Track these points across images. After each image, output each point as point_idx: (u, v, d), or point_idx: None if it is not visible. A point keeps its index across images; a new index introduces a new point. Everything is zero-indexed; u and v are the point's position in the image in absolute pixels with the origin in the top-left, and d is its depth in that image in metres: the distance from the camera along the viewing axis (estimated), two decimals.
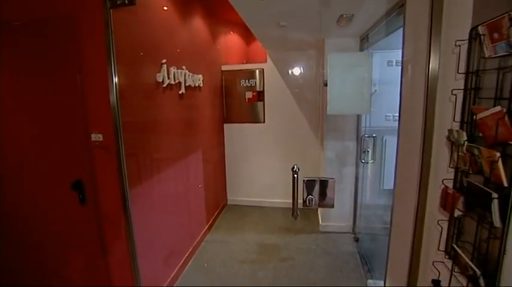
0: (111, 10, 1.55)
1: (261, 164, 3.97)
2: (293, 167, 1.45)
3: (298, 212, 1.46)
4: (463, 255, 0.96)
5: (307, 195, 1.44)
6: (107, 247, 1.88)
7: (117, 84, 1.63)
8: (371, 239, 2.96)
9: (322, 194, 1.43)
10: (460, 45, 1.00)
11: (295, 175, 1.41)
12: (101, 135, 1.70)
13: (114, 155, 1.68)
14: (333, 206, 1.45)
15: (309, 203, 1.45)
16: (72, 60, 1.68)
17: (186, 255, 2.74)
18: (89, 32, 1.64)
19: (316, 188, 1.44)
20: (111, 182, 1.74)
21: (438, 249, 1.12)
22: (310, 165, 3.63)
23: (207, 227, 3.34)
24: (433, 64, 1.20)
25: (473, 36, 0.95)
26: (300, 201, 1.47)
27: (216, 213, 3.74)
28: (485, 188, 0.86)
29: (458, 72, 1.01)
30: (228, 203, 4.20)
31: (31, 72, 1.82)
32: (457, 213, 1.00)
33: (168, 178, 2.43)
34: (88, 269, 1.97)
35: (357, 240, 3.02)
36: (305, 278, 2.52)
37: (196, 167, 3.09)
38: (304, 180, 1.43)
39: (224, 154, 4.07)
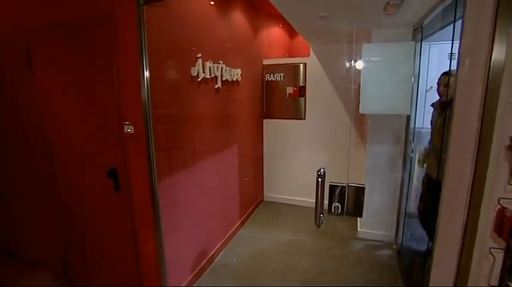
0: (143, 7, 1.57)
1: (299, 162, 3.83)
2: (319, 171, 1.32)
3: (323, 220, 1.34)
4: None
5: (333, 202, 1.31)
6: (137, 234, 1.97)
7: (148, 79, 1.67)
8: (416, 253, 2.65)
9: (351, 201, 1.28)
10: None
11: (320, 179, 1.28)
12: (132, 127, 1.76)
13: (144, 146, 1.74)
14: (361, 216, 1.29)
15: (334, 211, 1.31)
16: (110, 56, 1.76)
17: (216, 248, 2.77)
18: (124, 28, 1.70)
19: (344, 195, 1.30)
20: (142, 173, 1.80)
21: (488, 284, 0.91)
22: (352, 167, 3.38)
23: (240, 222, 3.34)
24: (497, 56, 0.98)
25: None
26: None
27: (251, 208, 3.73)
28: None
29: None
30: (265, 199, 4.16)
31: (74, 69, 1.98)
32: None
33: (201, 171, 2.46)
34: (119, 253, 2.09)
35: (398, 252, 2.73)
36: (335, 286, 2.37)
37: (232, 162, 3.09)
38: (330, 185, 1.30)
39: (263, 149, 4.02)
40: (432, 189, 2.26)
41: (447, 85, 1.92)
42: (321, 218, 1.31)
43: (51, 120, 2.17)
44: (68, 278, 2.43)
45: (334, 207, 1.30)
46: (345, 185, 1.29)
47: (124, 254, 2.05)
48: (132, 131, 1.76)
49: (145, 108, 1.68)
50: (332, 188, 1.30)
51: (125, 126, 1.77)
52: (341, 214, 1.31)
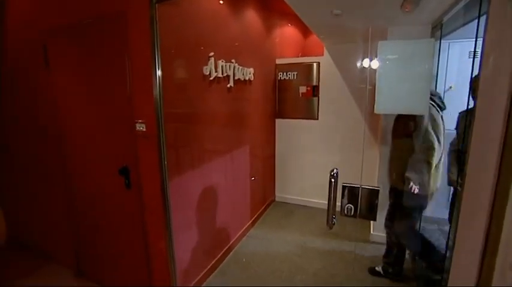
0: (156, 5, 1.58)
1: (311, 163, 3.78)
2: (332, 171, 1.29)
3: (335, 221, 1.31)
4: None
5: (346, 203, 1.28)
6: (148, 232, 1.99)
7: (160, 77, 1.67)
8: (432, 259, 2.56)
9: (364, 203, 1.24)
10: None
11: (333, 180, 1.25)
12: (144, 126, 1.77)
13: (156, 145, 1.74)
14: (375, 219, 1.25)
15: (347, 212, 1.28)
16: (122, 55, 1.78)
17: (226, 247, 2.76)
18: (136, 26, 1.71)
19: (358, 196, 1.26)
20: (153, 171, 1.81)
21: None
22: (365, 168, 3.31)
23: (250, 222, 3.33)
24: None
25: None
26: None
27: (262, 209, 3.70)
28: None
29: None
30: (276, 199, 4.12)
31: (88, 67, 2.02)
32: None
33: (212, 170, 2.46)
34: (130, 250, 2.11)
35: (413, 258, 2.64)
36: None
37: (243, 162, 3.08)
38: (342, 186, 1.27)
39: (275, 149, 3.99)
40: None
41: None
42: (333, 219, 1.28)
43: (65, 118, 2.22)
44: (80, 273, 2.48)
45: (347, 208, 1.27)
46: (358, 186, 1.25)
47: (134, 252, 2.07)
48: (144, 129, 1.78)
49: (157, 107, 1.69)
50: (345, 189, 1.27)
51: (137, 125, 1.79)
52: (354, 215, 1.27)
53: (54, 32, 2.12)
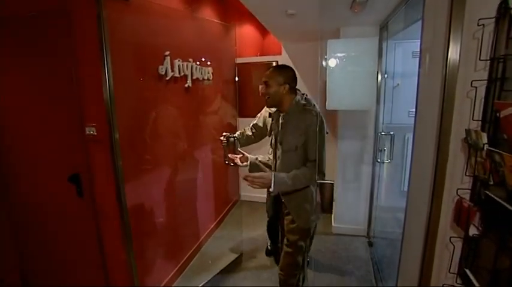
0: (102, 1, 1.48)
1: None
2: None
3: None
4: (476, 284, 0.79)
5: None
6: (104, 241, 1.87)
7: (110, 78, 1.58)
8: (387, 244, 2.74)
9: (320, 197, 1.29)
10: (483, 25, 0.81)
11: None
12: (94, 129, 1.66)
13: (108, 149, 1.64)
14: (330, 212, 1.31)
15: None
16: (67, 54, 1.64)
17: (191, 251, 2.70)
18: (82, 23, 1.59)
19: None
20: (106, 177, 1.70)
21: (449, 271, 0.95)
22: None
23: (215, 222, 3.29)
24: (453, 51, 1.01)
25: (502, 11, 0.76)
26: None
27: (227, 209, 3.68)
28: (507, 205, 0.69)
29: (480, 59, 0.82)
30: (241, 199, 4.12)
31: (29, 67, 1.83)
32: (472, 231, 0.83)
33: (171, 172, 2.38)
34: (86, 261, 1.97)
35: (371, 245, 2.82)
36: (312, 281, 2.39)
37: (204, 162, 3.02)
38: None
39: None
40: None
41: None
42: None
43: (5, 124, 1.99)
44: None
45: None
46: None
47: (90, 262, 1.93)
48: (95, 133, 1.66)
49: (108, 109, 1.59)
50: None
51: (87, 129, 1.67)
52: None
53: None
